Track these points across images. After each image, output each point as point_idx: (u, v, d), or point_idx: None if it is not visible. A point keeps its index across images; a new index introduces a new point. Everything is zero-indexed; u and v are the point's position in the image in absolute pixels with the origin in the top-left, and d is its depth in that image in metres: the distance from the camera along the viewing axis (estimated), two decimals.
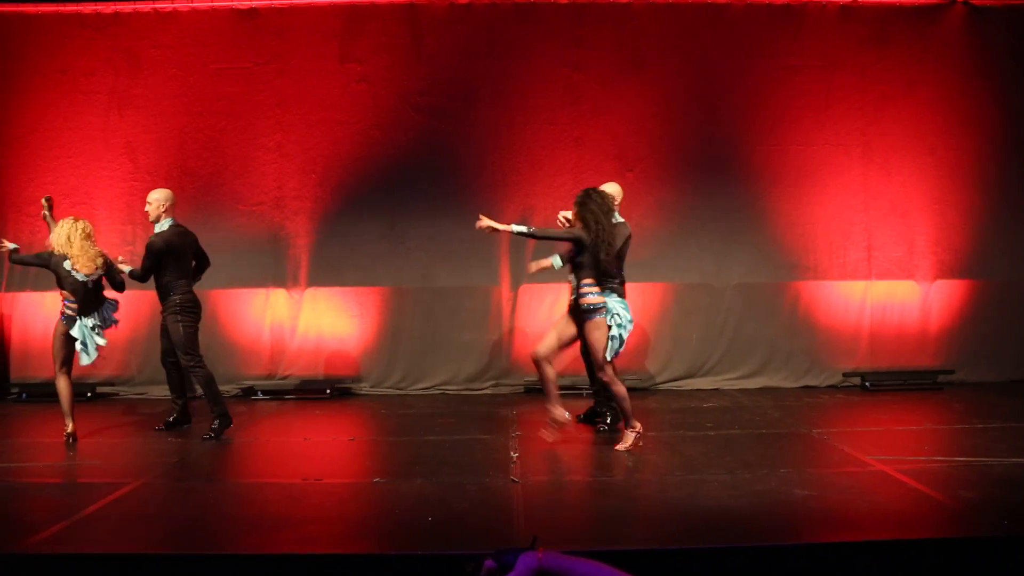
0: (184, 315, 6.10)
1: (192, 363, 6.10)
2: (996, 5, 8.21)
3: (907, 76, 8.23)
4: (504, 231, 5.58)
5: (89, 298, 6.09)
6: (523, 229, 5.53)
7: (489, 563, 3.01)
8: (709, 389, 8.06)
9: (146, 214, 6.32)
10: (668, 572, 3.51)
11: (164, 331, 6.27)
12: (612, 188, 6.08)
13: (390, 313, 8.26)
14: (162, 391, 7.34)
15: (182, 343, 6.07)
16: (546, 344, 5.61)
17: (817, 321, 8.25)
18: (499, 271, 8.15)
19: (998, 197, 8.25)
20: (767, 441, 5.80)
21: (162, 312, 6.20)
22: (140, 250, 6.81)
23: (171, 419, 6.38)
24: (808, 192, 8.24)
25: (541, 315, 7.94)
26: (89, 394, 7.96)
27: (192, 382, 6.37)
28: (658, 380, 8.17)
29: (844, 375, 8.17)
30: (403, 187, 8.16)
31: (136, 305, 7.54)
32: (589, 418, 6.39)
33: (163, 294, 6.18)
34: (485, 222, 5.61)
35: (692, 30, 8.20)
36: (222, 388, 6.45)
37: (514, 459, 5.33)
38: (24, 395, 8.04)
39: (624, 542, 3.86)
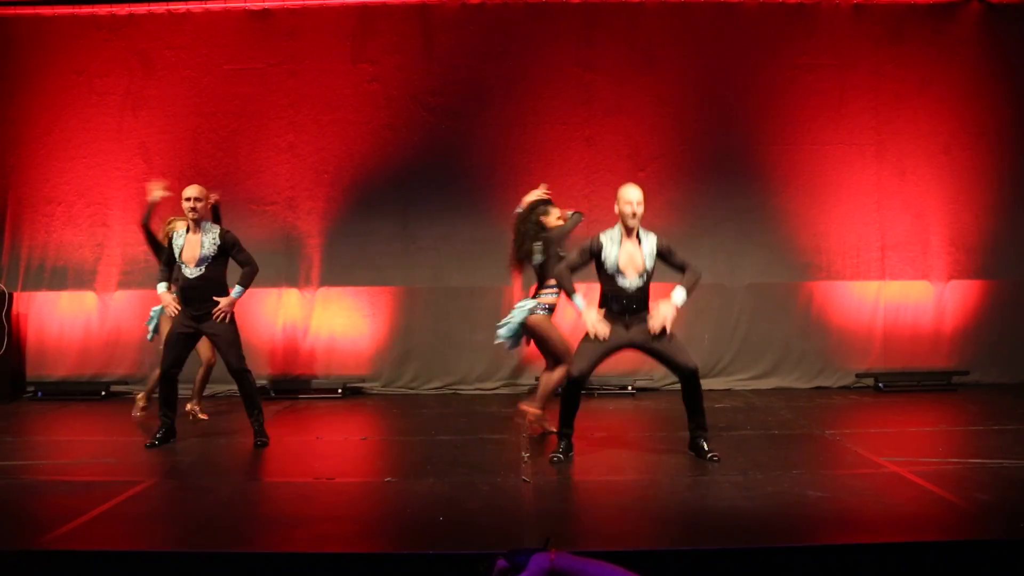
0: (233, 316, 5.82)
1: (246, 367, 5.80)
2: (1012, 3, 8.15)
3: (922, 75, 8.19)
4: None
5: None
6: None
7: (501, 563, 3.00)
8: (721, 390, 8.03)
9: (167, 215, 6.34)
10: (680, 573, 3.50)
11: (183, 339, 5.76)
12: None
13: (402, 313, 8.28)
14: None
15: (239, 345, 5.80)
16: None
17: (830, 322, 8.21)
18: (511, 271, 8.15)
19: (1013, 197, 8.19)
20: (780, 442, 5.78)
21: (197, 314, 5.70)
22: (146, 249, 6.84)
23: (160, 434, 5.80)
24: (821, 192, 8.21)
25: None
26: (103, 392, 8.03)
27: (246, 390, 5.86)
28: (670, 381, 8.13)
29: (857, 376, 8.12)
30: (415, 187, 8.18)
31: (148, 304, 7.57)
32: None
33: (212, 292, 5.72)
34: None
35: (705, 29, 8.19)
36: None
37: (526, 459, 5.32)
38: (40, 393, 8.11)
39: (636, 543, 3.85)
